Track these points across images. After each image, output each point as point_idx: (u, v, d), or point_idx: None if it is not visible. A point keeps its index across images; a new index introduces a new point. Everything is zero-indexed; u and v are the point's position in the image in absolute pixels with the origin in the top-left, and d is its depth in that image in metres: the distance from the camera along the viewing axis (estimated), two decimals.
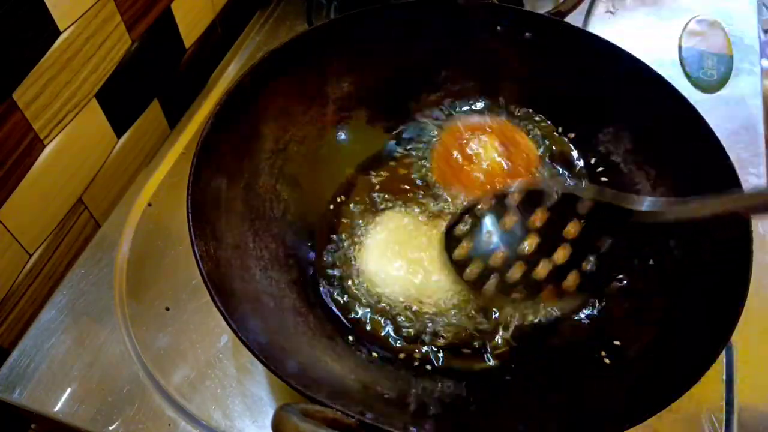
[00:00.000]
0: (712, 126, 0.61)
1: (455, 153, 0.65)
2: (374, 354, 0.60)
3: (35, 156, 0.63)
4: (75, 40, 0.63)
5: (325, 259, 0.65)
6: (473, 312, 0.61)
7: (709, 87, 0.84)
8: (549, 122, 0.72)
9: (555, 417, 0.53)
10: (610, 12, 0.94)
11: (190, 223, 0.53)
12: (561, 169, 0.70)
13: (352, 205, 0.69)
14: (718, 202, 0.50)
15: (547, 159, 0.70)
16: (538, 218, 0.57)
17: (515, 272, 0.58)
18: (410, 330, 0.61)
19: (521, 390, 0.58)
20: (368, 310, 0.62)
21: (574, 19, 0.82)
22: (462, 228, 0.60)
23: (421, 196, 0.69)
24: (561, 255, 0.57)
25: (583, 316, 0.62)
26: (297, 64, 0.67)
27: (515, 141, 0.68)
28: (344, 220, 0.68)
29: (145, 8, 0.72)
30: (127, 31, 0.70)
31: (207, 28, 0.85)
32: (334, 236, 0.67)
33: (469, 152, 0.65)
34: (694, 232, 0.60)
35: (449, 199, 0.68)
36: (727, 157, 0.59)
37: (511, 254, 0.58)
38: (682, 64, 0.86)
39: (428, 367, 0.59)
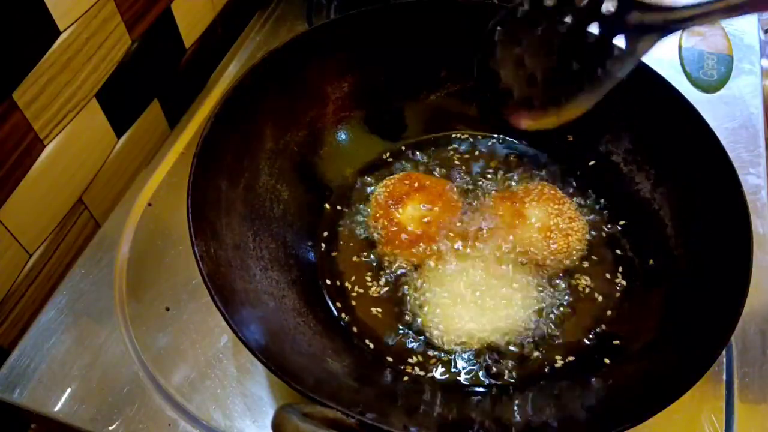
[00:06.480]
0: (712, 126, 0.61)
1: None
2: (373, 355, 0.60)
3: (35, 156, 0.63)
4: (75, 40, 0.63)
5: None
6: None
7: (709, 87, 0.84)
8: None
9: (555, 418, 0.53)
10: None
11: (190, 223, 0.53)
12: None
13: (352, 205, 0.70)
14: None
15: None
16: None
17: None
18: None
19: (520, 392, 0.58)
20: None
21: None
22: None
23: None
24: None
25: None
26: (297, 64, 0.67)
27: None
28: (344, 220, 0.69)
29: (145, 8, 0.72)
30: (127, 31, 0.70)
31: (207, 28, 0.85)
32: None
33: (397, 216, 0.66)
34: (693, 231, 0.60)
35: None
36: (727, 157, 0.59)
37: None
38: (682, 64, 0.86)
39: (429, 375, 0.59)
